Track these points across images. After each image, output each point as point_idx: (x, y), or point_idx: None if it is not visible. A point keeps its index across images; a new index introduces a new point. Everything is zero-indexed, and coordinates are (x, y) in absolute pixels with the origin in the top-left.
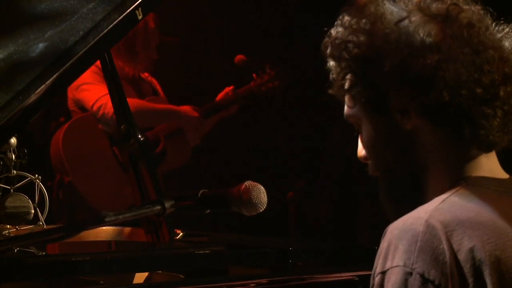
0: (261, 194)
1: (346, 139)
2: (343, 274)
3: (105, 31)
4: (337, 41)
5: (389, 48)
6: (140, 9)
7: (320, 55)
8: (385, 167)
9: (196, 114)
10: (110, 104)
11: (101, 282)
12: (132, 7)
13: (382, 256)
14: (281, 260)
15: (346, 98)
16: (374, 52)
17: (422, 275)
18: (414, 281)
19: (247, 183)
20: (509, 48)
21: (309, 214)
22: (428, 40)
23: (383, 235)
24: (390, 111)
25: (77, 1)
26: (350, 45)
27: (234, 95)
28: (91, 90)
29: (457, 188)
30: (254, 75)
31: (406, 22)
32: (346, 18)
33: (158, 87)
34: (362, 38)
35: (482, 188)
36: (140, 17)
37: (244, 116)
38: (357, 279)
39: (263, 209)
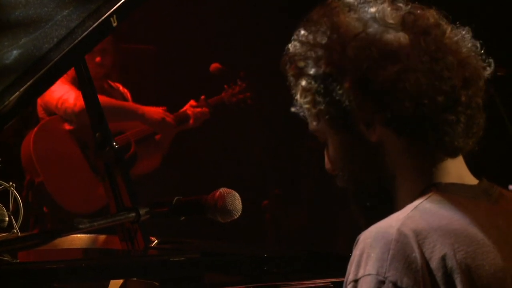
0: (235, 201)
1: (322, 146)
2: (317, 281)
3: (79, 38)
4: (296, 58)
5: (348, 62)
6: (115, 16)
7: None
8: (353, 179)
9: (166, 118)
10: (70, 99)
11: None
12: (106, 14)
13: (354, 264)
14: (256, 267)
15: (309, 116)
16: (333, 68)
17: (394, 283)
18: None
19: (222, 190)
20: (467, 51)
21: (285, 221)
22: (386, 51)
23: (355, 243)
24: (354, 124)
25: (51, 8)
26: (309, 62)
27: (205, 104)
28: (54, 91)
29: (428, 195)
30: (225, 86)
31: (363, 34)
32: (303, 32)
33: (129, 98)
34: (320, 53)
35: (453, 195)
36: (114, 24)
37: (219, 124)
38: (332, 286)
39: (238, 216)
